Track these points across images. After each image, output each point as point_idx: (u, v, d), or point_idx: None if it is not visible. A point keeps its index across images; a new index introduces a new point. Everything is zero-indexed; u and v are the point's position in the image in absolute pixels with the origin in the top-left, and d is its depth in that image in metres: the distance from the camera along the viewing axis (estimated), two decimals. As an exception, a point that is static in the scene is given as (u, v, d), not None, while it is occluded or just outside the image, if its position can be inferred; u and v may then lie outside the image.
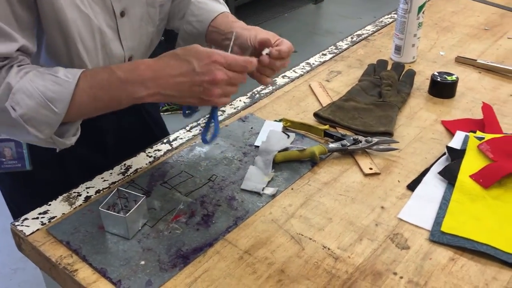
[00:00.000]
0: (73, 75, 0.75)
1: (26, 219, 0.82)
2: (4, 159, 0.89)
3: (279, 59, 0.82)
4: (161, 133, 1.14)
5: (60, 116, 0.75)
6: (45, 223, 0.81)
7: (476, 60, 1.26)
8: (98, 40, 0.83)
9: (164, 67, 0.76)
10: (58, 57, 0.81)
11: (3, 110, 0.73)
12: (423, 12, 1.23)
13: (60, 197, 0.86)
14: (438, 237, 0.77)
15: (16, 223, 0.82)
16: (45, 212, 0.83)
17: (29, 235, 0.79)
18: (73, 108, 0.75)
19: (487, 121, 1.02)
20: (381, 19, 1.54)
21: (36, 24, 0.77)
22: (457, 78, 1.13)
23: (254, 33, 0.86)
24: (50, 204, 0.85)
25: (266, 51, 0.82)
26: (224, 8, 0.99)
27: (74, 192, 0.88)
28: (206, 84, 0.75)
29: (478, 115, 1.06)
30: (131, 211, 0.77)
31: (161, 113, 1.28)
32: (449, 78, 1.13)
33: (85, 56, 0.82)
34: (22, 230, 0.80)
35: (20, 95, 0.72)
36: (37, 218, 0.82)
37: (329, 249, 0.77)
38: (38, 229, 0.80)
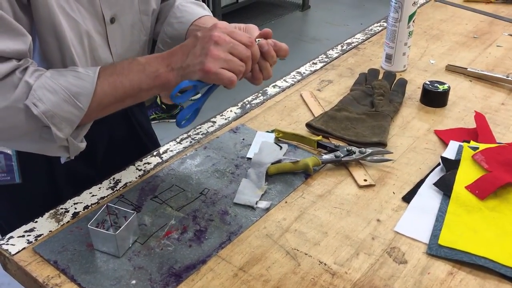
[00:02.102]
0: (93, 70, 0.75)
1: (11, 237, 0.79)
2: None
3: (275, 51, 0.79)
4: (152, 144, 1.12)
5: (83, 112, 0.74)
6: (31, 242, 0.78)
7: (466, 68, 1.26)
8: (86, 45, 0.81)
9: (179, 46, 0.77)
10: (51, 60, 0.79)
11: (21, 111, 0.71)
12: (413, 21, 1.23)
13: (47, 214, 0.84)
14: (436, 250, 0.76)
15: (1, 242, 0.78)
16: (31, 230, 0.80)
17: (15, 254, 0.76)
18: (95, 101, 0.74)
19: (480, 130, 1.01)
20: (370, 28, 1.53)
21: (30, 29, 0.76)
22: (449, 87, 1.13)
23: (244, 25, 0.85)
24: (36, 221, 0.82)
25: (258, 41, 0.79)
26: (208, 13, 0.97)
27: (62, 208, 0.85)
28: (205, 44, 0.74)
29: (471, 124, 1.06)
30: (121, 228, 0.75)
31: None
32: (440, 87, 1.13)
33: (77, 60, 0.80)
34: (7, 249, 0.77)
35: (42, 91, 0.71)
36: (23, 236, 0.79)
37: (325, 264, 0.75)
38: (24, 248, 0.77)
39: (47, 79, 0.72)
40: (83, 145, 0.80)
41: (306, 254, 0.77)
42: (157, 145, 1.15)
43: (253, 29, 0.83)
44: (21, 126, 0.72)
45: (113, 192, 0.88)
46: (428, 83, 1.14)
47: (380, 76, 1.23)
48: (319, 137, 1.00)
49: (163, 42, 0.95)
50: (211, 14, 0.97)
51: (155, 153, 0.99)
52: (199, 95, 0.82)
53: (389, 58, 1.27)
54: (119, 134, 1.02)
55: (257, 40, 0.78)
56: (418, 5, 1.23)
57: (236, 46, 0.74)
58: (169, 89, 0.77)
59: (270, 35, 0.79)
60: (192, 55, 0.74)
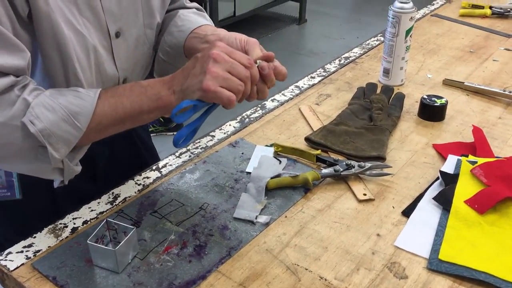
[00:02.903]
0: (94, 91, 0.75)
1: (10, 253, 0.79)
2: None
3: (274, 74, 0.78)
4: (152, 159, 1.12)
5: (81, 132, 0.73)
6: (30, 257, 0.78)
7: (463, 82, 1.27)
8: (92, 59, 0.81)
9: (180, 69, 0.77)
10: (54, 77, 0.78)
11: (17, 128, 0.70)
12: (410, 36, 1.24)
13: (46, 229, 0.83)
14: (436, 265, 0.76)
15: (0, 258, 0.78)
16: (29, 245, 0.80)
17: (13, 270, 0.76)
18: (94, 121, 0.74)
19: (478, 144, 1.02)
20: (367, 42, 1.54)
21: (30, 46, 0.75)
22: (447, 101, 1.14)
23: (245, 37, 0.83)
24: (35, 237, 0.82)
25: (259, 62, 0.77)
26: (210, 23, 0.97)
27: (60, 224, 0.84)
28: (204, 63, 0.73)
29: (469, 138, 1.06)
30: (121, 243, 0.74)
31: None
32: (438, 101, 1.14)
33: (81, 74, 0.79)
34: (5, 265, 0.77)
35: (40, 109, 0.70)
36: (22, 252, 0.79)
37: (326, 279, 0.75)
38: (22, 264, 0.77)
39: (46, 98, 0.72)
40: (78, 168, 0.79)
41: (306, 269, 0.76)
42: (156, 159, 1.14)
43: (254, 44, 0.82)
44: (17, 144, 0.71)
45: (112, 207, 0.88)
46: (426, 97, 1.15)
47: (378, 90, 1.23)
48: (318, 151, 1.00)
49: (163, 51, 0.95)
50: (213, 24, 0.97)
51: (154, 168, 0.99)
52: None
53: (386, 72, 1.28)
54: (119, 148, 1.02)
55: (258, 61, 0.77)
56: (415, 20, 1.24)
57: (235, 66, 0.73)
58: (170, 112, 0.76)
59: (272, 59, 0.78)
60: (192, 76, 0.74)
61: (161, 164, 1.00)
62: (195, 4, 1.02)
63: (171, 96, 0.76)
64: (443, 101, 1.14)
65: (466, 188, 0.89)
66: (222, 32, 0.87)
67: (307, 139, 1.06)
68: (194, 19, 0.95)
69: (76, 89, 0.75)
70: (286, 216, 0.87)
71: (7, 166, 0.80)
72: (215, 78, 0.72)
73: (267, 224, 0.85)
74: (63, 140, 0.73)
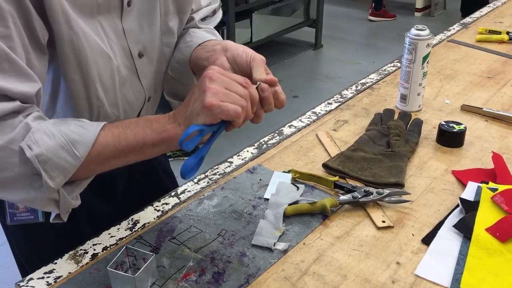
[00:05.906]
0: (98, 123, 0.74)
1: (31, 279, 0.80)
2: (17, 211, 0.87)
3: (273, 98, 0.76)
4: (170, 182, 1.13)
5: (78, 161, 0.71)
6: (50, 283, 0.79)
7: (482, 108, 1.26)
8: (116, 80, 0.83)
9: (182, 103, 0.76)
10: (76, 99, 0.79)
11: (15, 152, 0.68)
12: (427, 62, 1.24)
13: (66, 255, 0.84)
14: (458, 295, 0.75)
15: (21, 284, 0.79)
16: (50, 271, 0.81)
17: (34, 296, 0.77)
18: (95, 151, 0.72)
19: (498, 171, 1.01)
20: (384, 68, 1.55)
21: (44, 78, 0.76)
22: (465, 127, 1.13)
23: (253, 53, 0.82)
24: (55, 263, 0.82)
25: (260, 84, 0.76)
26: (218, 39, 0.96)
27: (81, 250, 0.85)
28: (201, 85, 0.72)
29: (488, 164, 1.05)
30: (140, 270, 0.75)
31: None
32: (457, 127, 1.13)
33: (103, 96, 0.80)
34: (26, 291, 0.78)
35: (39, 134, 0.69)
36: (43, 278, 0.80)
37: (345, 308, 0.74)
38: (43, 290, 0.78)
39: (49, 125, 0.70)
40: (76, 203, 0.76)
41: (325, 297, 0.76)
42: (175, 183, 1.15)
43: (260, 62, 0.80)
44: (13, 170, 0.68)
45: (132, 233, 0.89)
46: (444, 123, 1.14)
47: (396, 116, 1.23)
48: (336, 178, 1.00)
49: (172, 68, 0.96)
50: (221, 39, 0.95)
51: (173, 194, 1.00)
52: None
53: (404, 98, 1.28)
54: (138, 171, 1.03)
55: (258, 83, 0.76)
56: (432, 45, 1.25)
57: (232, 84, 0.72)
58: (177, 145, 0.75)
59: (275, 84, 0.76)
60: (192, 101, 0.73)
61: (179, 190, 1.01)
62: (208, 26, 1.04)
63: (176, 128, 0.74)
64: (461, 127, 1.13)
65: (487, 215, 0.88)
66: (229, 42, 0.86)
67: (324, 166, 1.06)
68: (202, 35, 0.95)
69: (81, 120, 0.74)
70: (304, 243, 0.86)
71: (4, 195, 0.74)
72: (215, 94, 0.71)
73: (285, 251, 0.84)
74: (59, 168, 0.70)
